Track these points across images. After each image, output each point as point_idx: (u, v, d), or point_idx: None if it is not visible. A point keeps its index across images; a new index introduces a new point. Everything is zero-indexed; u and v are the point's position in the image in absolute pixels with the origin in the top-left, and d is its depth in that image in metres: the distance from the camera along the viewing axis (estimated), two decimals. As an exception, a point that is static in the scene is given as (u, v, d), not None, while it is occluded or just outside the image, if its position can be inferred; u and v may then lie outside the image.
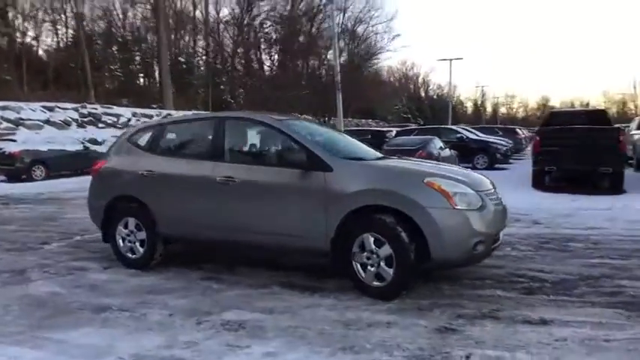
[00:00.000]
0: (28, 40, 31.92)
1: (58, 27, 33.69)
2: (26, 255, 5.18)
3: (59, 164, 14.55)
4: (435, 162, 6.01)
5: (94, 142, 18.52)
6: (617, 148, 9.08)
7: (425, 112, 57.20)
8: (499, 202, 3.82)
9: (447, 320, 3.15)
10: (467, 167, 6.38)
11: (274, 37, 32.89)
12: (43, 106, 20.56)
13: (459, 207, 3.39)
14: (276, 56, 34.24)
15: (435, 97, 64.75)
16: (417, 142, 11.76)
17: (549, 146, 9.41)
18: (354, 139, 4.86)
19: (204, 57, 38.48)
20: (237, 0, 35.32)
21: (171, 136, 4.80)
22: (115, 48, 35.74)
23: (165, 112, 27.09)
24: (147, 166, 4.49)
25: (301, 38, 30.65)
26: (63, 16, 33.33)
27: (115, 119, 23.80)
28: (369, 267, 3.53)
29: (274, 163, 4.05)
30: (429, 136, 12.62)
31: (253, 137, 4.54)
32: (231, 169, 4.08)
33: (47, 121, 19.87)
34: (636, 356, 2.65)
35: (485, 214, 3.51)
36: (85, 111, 22.59)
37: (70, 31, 34.14)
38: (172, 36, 37.11)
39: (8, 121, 18.38)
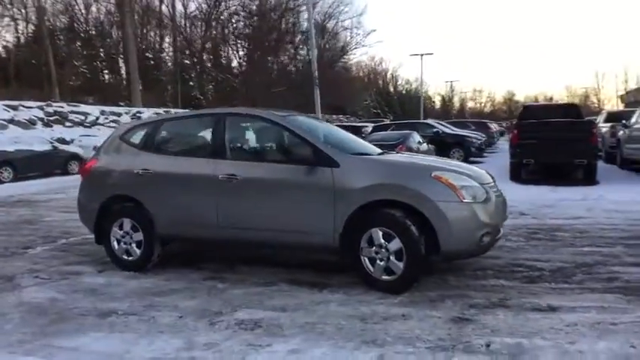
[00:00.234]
0: (-15, 35, 30.61)
1: (18, 22, 32.32)
2: (11, 260, 4.96)
3: (28, 165, 13.96)
4: (435, 156, 6.08)
5: (63, 141, 17.92)
6: (590, 140, 9.44)
7: (394, 107, 57.76)
8: (500, 194, 3.92)
9: (459, 311, 3.22)
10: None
11: (244, 32, 32.51)
12: (6, 105, 19.72)
13: (466, 200, 3.46)
14: (245, 51, 33.85)
15: (403, 92, 65.49)
16: (396, 137, 11.86)
17: (527, 139, 9.69)
18: (354, 135, 4.87)
19: (171, 53, 37.72)
20: (204, -5, 34.69)
21: (167, 133, 4.68)
22: (78, 44, 34.59)
23: (134, 109, 26.45)
24: (142, 165, 4.37)
25: (272, 35, 30.43)
26: (23, 10, 31.97)
27: (83, 117, 23.12)
28: (377, 261, 3.56)
29: (278, 160, 4.01)
30: (408, 131, 12.78)
31: (255, 134, 4.49)
32: (234, 167, 4.02)
33: (11, 121, 19.09)
34: (644, 338, 2.78)
35: (489, 206, 3.60)
36: (50, 109, 21.84)
37: (31, 26, 32.80)
38: (139, 31, 36.18)
39: (-31, 120, 17.64)
